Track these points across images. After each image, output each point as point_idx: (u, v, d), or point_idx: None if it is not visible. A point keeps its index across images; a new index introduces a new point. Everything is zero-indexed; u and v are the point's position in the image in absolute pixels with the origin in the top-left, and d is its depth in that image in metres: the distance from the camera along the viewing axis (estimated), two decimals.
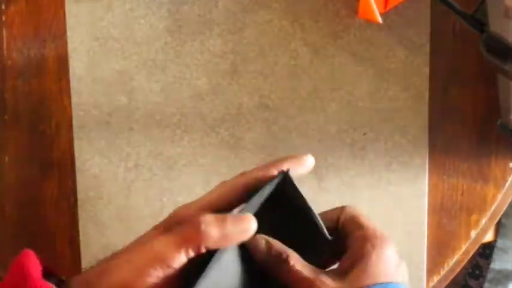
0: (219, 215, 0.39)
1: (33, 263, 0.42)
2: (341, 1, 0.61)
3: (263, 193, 0.42)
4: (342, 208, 0.46)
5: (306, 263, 0.42)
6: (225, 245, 0.39)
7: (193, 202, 0.44)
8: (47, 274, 0.43)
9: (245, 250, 0.42)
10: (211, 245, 0.38)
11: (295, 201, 0.43)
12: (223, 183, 0.44)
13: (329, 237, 0.43)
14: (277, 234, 0.43)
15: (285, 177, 0.42)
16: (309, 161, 0.45)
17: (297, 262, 0.42)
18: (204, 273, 0.38)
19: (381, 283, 0.41)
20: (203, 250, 0.38)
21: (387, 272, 0.41)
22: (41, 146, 0.64)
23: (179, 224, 0.40)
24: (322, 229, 0.43)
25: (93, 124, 0.63)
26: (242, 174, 0.44)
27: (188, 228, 0.39)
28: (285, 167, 0.43)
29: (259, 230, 0.41)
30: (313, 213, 0.43)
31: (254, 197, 0.41)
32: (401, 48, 0.62)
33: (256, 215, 0.40)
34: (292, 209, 0.43)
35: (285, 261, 0.42)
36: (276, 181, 0.42)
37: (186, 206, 0.44)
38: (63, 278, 0.44)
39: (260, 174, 0.43)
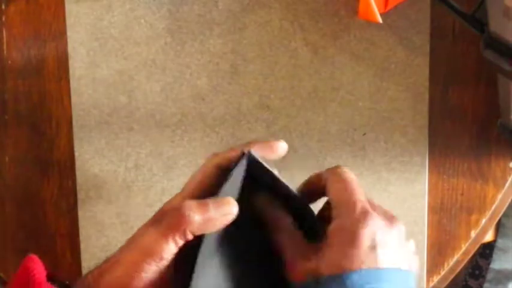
0: (201, 201, 0.39)
1: (37, 267, 0.42)
2: (341, 1, 0.61)
3: (232, 175, 0.41)
4: (329, 172, 0.44)
5: (297, 236, 0.41)
6: (210, 229, 0.39)
7: (177, 194, 0.44)
8: (51, 279, 0.43)
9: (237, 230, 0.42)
10: (196, 230, 0.38)
11: (267, 181, 0.43)
12: (201, 168, 0.44)
13: (308, 205, 0.44)
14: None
15: (250, 157, 0.42)
16: (281, 147, 0.44)
17: (284, 231, 0.42)
18: (197, 260, 0.38)
19: (376, 268, 0.37)
20: (190, 237, 0.38)
21: (385, 255, 0.38)
22: (41, 146, 0.64)
23: (165, 216, 0.40)
24: (297, 198, 0.44)
25: (93, 124, 0.63)
26: (214, 154, 0.44)
27: (172, 216, 0.39)
28: (255, 149, 0.43)
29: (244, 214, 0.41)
30: (283, 183, 0.43)
31: (226, 182, 0.41)
32: (401, 48, 0.62)
33: (239, 200, 0.41)
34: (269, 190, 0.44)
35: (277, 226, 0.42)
36: (243, 162, 0.42)
37: (171, 200, 0.44)
38: (67, 282, 0.44)
39: (232, 154, 0.43)
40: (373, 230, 0.38)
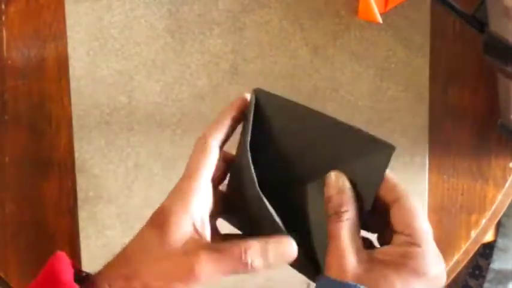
0: (262, 241, 0.40)
1: (65, 266, 0.42)
2: (341, 1, 0.61)
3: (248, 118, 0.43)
4: (401, 194, 0.44)
5: (356, 231, 0.42)
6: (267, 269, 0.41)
7: (177, 193, 0.44)
8: (78, 275, 0.43)
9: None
10: (254, 272, 0.40)
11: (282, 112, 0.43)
12: (200, 148, 0.45)
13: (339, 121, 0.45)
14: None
15: (258, 92, 0.43)
16: None
17: (347, 222, 0.42)
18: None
19: None
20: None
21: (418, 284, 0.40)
22: (41, 146, 0.64)
23: (173, 222, 0.42)
24: (323, 117, 0.45)
25: (93, 124, 0.63)
26: (207, 133, 0.45)
27: (232, 259, 0.40)
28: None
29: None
30: (302, 106, 0.44)
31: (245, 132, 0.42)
32: (401, 48, 0.62)
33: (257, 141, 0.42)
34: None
35: (341, 214, 0.42)
36: (252, 100, 0.43)
37: (173, 199, 0.44)
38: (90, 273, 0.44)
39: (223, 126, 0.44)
40: (441, 275, 0.40)
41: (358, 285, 0.39)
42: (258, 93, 0.43)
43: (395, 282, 0.39)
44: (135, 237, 0.45)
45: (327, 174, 0.43)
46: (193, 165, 0.44)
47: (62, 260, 0.43)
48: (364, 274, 0.40)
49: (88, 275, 0.44)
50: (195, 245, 0.41)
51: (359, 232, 0.42)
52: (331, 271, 0.40)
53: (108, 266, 0.44)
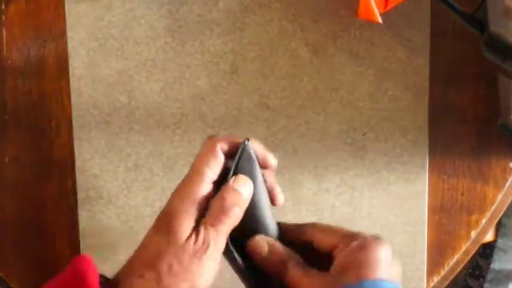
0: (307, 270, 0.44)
1: (91, 270, 0.43)
2: (341, 1, 0.61)
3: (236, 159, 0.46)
4: (308, 225, 0.47)
5: (306, 267, 0.44)
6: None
7: (181, 192, 0.45)
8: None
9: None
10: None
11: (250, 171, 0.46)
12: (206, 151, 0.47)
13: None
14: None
15: (245, 145, 0.46)
16: (273, 163, 0.48)
17: (300, 262, 0.45)
18: None
19: (374, 279, 0.42)
20: None
21: (379, 269, 0.43)
22: (41, 146, 0.64)
23: (175, 222, 0.43)
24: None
25: (93, 124, 0.63)
26: (213, 138, 0.47)
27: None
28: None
29: None
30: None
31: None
32: (401, 48, 0.62)
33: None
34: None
35: (288, 260, 0.45)
36: (241, 147, 0.46)
37: (176, 199, 0.45)
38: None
39: (229, 139, 0.47)
40: (387, 248, 0.44)
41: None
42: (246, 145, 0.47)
43: (366, 262, 0.42)
44: (142, 243, 0.45)
45: (247, 245, 0.46)
46: (200, 163, 0.46)
47: (88, 263, 0.44)
48: (338, 279, 0.43)
49: (108, 279, 0.44)
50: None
51: (308, 266, 0.45)
52: None
53: (124, 269, 0.45)
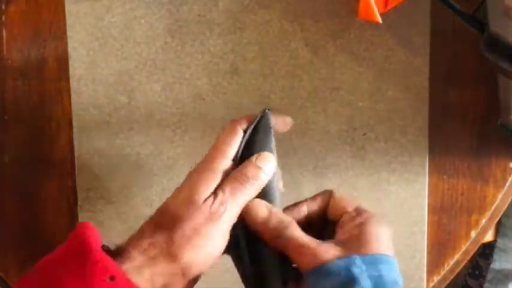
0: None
1: (93, 235, 0.42)
2: (341, 1, 0.61)
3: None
4: (330, 192, 0.49)
5: (305, 233, 0.45)
6: None
7: (200, 167, 0.46)
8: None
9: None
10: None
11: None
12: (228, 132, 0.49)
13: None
14: None
15: (264, 114, 0.48)
16: (289, 122, 0.51)
17: (298, 229, 0.45)
18: None
19: (377, 253, 0.43)
20: None
21: (381, 245, 0.44)
22: (41, 145, 0.64)
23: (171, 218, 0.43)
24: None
25: (93, 124, 0.63)
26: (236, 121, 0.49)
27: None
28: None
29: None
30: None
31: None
32: (401, 48, 0.62)
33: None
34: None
35: (286, 227, 0.45)
36: (258, 117, 0.48)
37: (194, 173, 0.46)
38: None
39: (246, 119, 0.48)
40: (387, 227, 0.46)
41: (356, 256, 0.42)
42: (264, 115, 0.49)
43: (370, 237, 0.44)
44: (159, 208, 0.46)
45: (246, 206, 0.46)
46: (220, 141, 0.48)
47: (89, 228, 0.43)
48: (342, 248, 0.44)
49: (110, 249, 0.44)
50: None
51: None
52: (308, 264, 0.43)
53: (134, 234, 0.45)
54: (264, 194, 0.47)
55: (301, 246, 0.43)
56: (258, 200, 0.46)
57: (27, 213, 0.65)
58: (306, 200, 0.49)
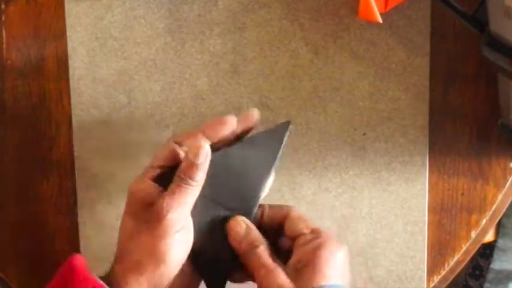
0: None
1: (80, 262, 0.47)
2: (341, 1, 0.61)
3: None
4: (288, 208, 0.51)
5: (273, 256, 0.48)
6: None
7: (144, 175, 0.50)
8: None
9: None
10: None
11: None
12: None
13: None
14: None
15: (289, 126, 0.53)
16: (253, 115, 0.52)
17: (265, 252, 0.48)
18: None
19: (332, 284, 0.45)
20: None
21: (334, 272, 0.45)
22: (40, 146, 0.64)
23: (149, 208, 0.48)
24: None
25: (93, 124, 0.63)
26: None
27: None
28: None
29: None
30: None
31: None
32: (401, 48, 0.62)
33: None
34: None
35: (257, 247, 0.48)
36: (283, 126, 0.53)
37: (138, 182, 0.50)
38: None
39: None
40: (344, 250, 0.48)
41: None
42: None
43: (324, 263, 0.45)
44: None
45: (228, 224, 0.50)
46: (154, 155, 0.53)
47: (78, 259, 0.47)
48: (294, 277, 0.46)
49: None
50: None
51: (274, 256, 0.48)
52: None
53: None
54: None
55: (262, 266, 0.47)
56: (240, 218, 0.50)
57: (27, 213, 0.65)
58: (266, 205, 0.52)
